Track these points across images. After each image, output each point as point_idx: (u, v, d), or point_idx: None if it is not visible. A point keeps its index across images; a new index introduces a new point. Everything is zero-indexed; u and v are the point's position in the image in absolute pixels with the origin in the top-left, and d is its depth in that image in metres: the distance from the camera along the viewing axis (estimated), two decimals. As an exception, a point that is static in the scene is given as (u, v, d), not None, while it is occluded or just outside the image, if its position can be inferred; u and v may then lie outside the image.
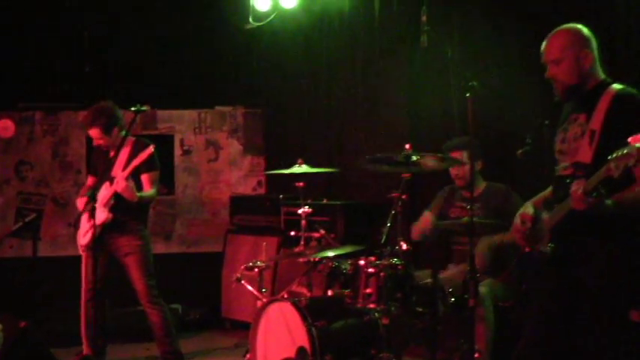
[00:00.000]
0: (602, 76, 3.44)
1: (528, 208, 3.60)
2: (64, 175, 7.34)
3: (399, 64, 6.20)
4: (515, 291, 4.75)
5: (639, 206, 3.18)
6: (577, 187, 3.08)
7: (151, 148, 5.30)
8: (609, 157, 2.88)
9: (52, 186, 7.33)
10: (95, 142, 5.51)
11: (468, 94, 3.85)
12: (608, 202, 3.07)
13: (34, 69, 7.31)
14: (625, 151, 2.82)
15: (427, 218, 5.16)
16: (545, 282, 3.56)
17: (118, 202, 5.36)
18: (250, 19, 7.23)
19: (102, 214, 5.34)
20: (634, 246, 3.30)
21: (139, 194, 5.30)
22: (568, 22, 4.73)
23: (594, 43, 3.44)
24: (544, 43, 3.48)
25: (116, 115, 5.48)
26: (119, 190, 5.22)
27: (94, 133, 5.44)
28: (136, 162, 5.26)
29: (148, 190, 5.46)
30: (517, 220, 3.61)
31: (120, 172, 5.29)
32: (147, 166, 5.39)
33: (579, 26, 3.47)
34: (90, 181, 5.74)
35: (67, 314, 5.87)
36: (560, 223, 3.35)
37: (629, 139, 2.82)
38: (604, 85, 3.38)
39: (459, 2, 5.65)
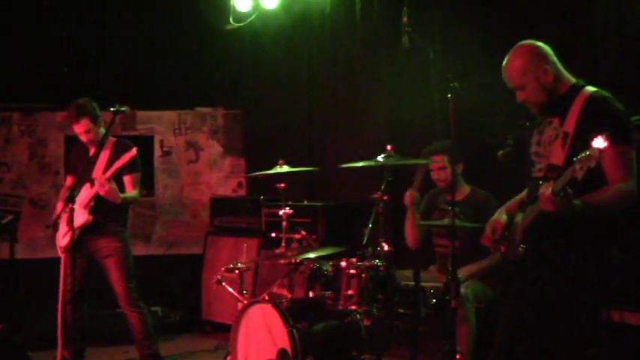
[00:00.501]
0: (572, 80, 3.44)
1: (501, 215, 3.62)
2: (41, 177, 7.26)
3: (380, 65, 6.20)
4: (496, 293, 4.77)
5: (607, 207, 3.20)
6: (545, 189, 3.08)
7: (134, 151, 5.26)
8: (574, 159, 2.90)
9: (29, 187, 7.25)
10: (85, 138, 5.42)
11: (449, 95, 3.85)
12: (577, 202, 3.08)
13: (12, 69, 7.22)
14: (587, 153, 2.84)
15: (409, 223, 5.14)
16: (518, 283, 3.57)
17: (98, 204, 5.31)
18: (231, 20, 7.22)
19: (82, 216, 5.30)
20: (603, 246, 3.31)
21: (122, 195, 5.26)
22: (548, 22, 4.77)
23: (550, 54, 3.44)
24: (503, 72, 3.51)
25: (98, 108, 5.44)
26: (102, 192, 5.16)
27: (82, 126, 5.37)
28: (118, 164, 5.21)
29: (131, 192, 5.43)
30: (487, 229, 3.63)
31: (101, 174, 5.24)
32: (129, 167, 5.35)
33: (530, 44, 3.47)
34: (69, 181, 5.69)
35: (44, 317, 5.80)
36: (531, 224, 3.37)
37: (592, 142, 2.84)
38: (577, 89, 3.39)
39: (440, 3, 5.65)
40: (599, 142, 2.81)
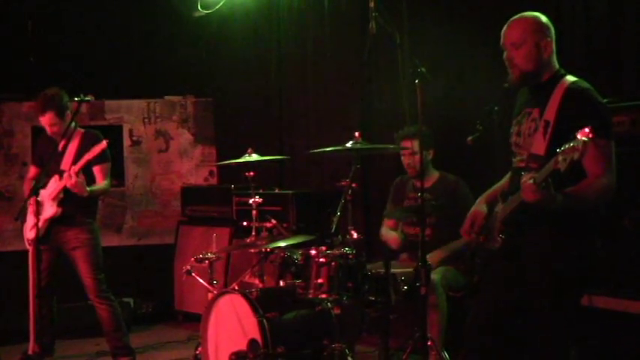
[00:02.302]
0: (556, 66, 3.41)
1: (480, 206, 3.59)
2: (8, 168, 7.16)
3: (348, 51, 6.16)
4: (468, 280, 4.77)
5: (587, 200, 3.19)
6: (527, 179, 3.06)
7: (104, 143, 5.19)
8: (557, 151, 2.88)
9: (-4, 179, 7.16)
10: (50, 130, 5.34)
11: (417, 81, 3.82)
12: (559, 196, 3.06)
13: (-23, 59, 7.11)
14: (571, 144, 2.82)
15: (395, 237, 5.09)
16: (496, 272, 3.56)
17: (67, 196, 5.24)
18: (199, 7, 7.15)
19: (50, 209, 5.24)
20: (585, 234, 3.29)
21: (89, 189, 5.19)
22: (517, 10, 4.75)
23: (554, 34, 3.42)
24: (505, 26, 3.44)
25: (66, 100, 5.36)
26: (70, 185, 5.09)
27: (48, 118, 5.29)
28: (88, 157, 5.14)
29: (101, 183, 5.36)
30: (467, 221, 3.60)
31: (70, 166, 5.18)
32: (99, 158, 5.27)
33: (542, 15, 3.44)
34: (32, 172, 5.59)
35: (13, 311, 5.75)
36: (511, 214, 3.35)
37: (577, 133, 2.81)
38: (558, 77, 3.35)
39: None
40: (585, 135, 2.79)
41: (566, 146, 2.83)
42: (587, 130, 2.80)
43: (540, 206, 3.09)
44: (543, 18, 3.42)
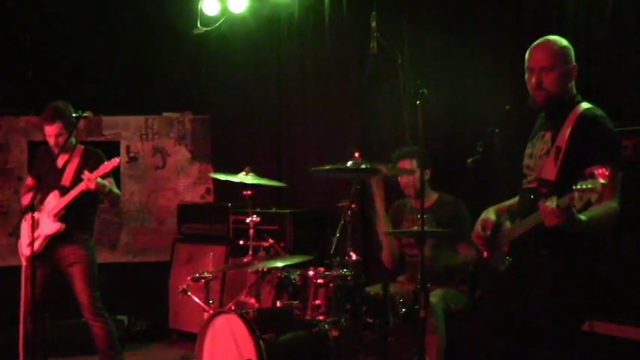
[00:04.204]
0: (574, 91, 3.43)
1: (490, 214, 3.58)
2: (4, 183, 7.13)
3: (349, 71, 6.15)
4: (468, 298, 4.72)
5: (601, 225, 3.17)
6: (550, 203, 3.00)
7: (117, 160, 5.23)
8: (574, 187, 2.83)
9: (-9, 194, 7.12)
10: (54, 140, 5.29)
11: (417, 102, 3.81)
12: (583, 218, 3.01)
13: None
14: (589, 186, 2.78)
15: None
16: (500, 293, 3.54)
17: (67, 212, 5.22)
18: (198, 24, 7.14)
19: (53, 225, 5.23)
20: (590, 258, 3.28)
21: (109, 187, 5.24)
22: (520, 32, 4.75)
23: None
24: (533, 50, 3.44)
25: (73, 116, 5.33)
26: (92, 187, 5.08)
27: (56, 128, 5.25)
28: (105, 169, 5.16)
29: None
30: (478, 226, 3.60)
31: (71, 182, 5.22)
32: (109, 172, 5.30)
33: (564, 39, 3.45)
34: (30, 182, 5.57)
35: (6, 327, 5.69)
36: (521, 237, 3.34)
37: (596, 172, 2.78)
38: (573, 103, 3.37)
39: (409, 9, 5.61)
40: (603, 177, 2.77)
41: (584, 186, 2.79)
42: (606, 172, 2.78)
43: (561, 229, 3.03)
44: (566, 41, 3.43)
